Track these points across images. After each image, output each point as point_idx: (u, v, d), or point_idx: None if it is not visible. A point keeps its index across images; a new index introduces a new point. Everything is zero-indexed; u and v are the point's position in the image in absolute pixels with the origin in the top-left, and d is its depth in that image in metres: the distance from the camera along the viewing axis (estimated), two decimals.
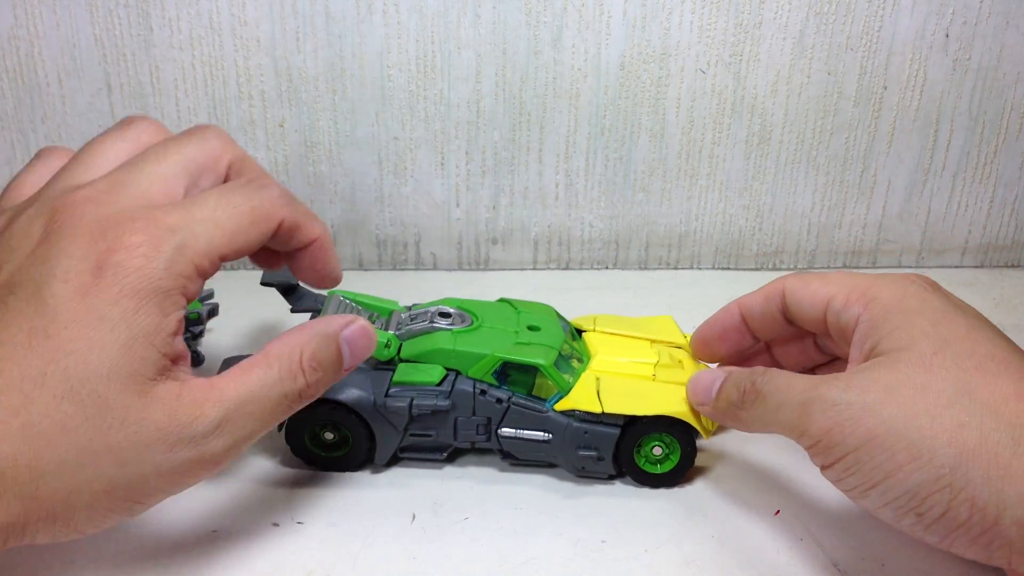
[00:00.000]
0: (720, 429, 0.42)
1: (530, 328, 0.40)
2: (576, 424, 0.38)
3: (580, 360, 0.40)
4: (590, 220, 0.61)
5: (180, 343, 0.30)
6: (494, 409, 0.38)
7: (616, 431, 0.38)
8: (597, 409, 0.37)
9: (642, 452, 0.38)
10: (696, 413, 0.38)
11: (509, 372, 0.38)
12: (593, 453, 0.38)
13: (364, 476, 0.40)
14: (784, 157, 0.60)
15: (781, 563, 0.35)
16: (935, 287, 0.35)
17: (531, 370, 0.38)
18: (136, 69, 0.55)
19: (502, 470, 0.40)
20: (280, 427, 0.38)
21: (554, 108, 0.58)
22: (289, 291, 0.43)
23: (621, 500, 0.38)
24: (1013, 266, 0.65)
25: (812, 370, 0.41)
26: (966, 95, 0.59)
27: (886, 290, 0.34)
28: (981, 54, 0.58)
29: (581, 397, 0.38)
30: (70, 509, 0.28)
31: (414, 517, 0.37)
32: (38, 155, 0.35)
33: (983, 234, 0.64)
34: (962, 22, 0.57)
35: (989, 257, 0.65)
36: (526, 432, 0.38)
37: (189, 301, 0.30)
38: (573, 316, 0.44)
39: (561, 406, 0.38)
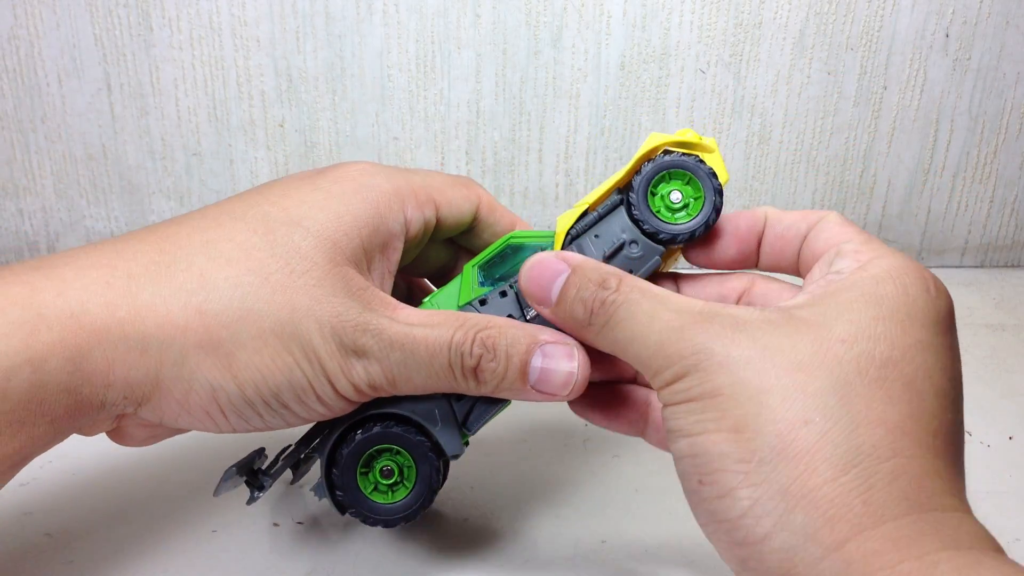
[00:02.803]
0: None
1: None
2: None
3: None
4: None
5: (387, 283, 0.31)
6: None
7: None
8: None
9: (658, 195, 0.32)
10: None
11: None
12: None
13: None
14: (784, 157, 0.60)
15: None
16: (950, 323, 0.27)
17: None
18: (136, 69, 0.55)
19: (502, 471, 0.40)
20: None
21: (554, 108, 0.58)
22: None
23: (621, 500, 0.38)
24: (1013, 266, 0.65)
25: None
26: (966, 95, 0.59)
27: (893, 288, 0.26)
28: (981, 54, 0.58)
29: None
30: (236, 340, 0.27)
31: None
32: None
33: (983, 234, 0.64)
34: (962, 22, 0.57)
35: (989, 257, 0.65)
36: None
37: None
38: None
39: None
